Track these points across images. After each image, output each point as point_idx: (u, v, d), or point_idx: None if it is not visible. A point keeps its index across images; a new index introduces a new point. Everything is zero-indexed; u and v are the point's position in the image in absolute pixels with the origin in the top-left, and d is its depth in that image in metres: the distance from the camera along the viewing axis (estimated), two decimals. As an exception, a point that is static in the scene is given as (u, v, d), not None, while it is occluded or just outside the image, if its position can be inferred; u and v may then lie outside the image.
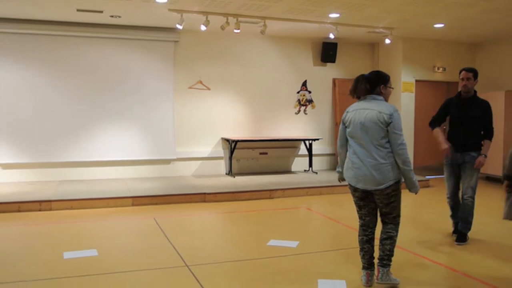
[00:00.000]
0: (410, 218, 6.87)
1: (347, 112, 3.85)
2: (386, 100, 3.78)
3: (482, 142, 5.11)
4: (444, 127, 5.72)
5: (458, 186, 5.32)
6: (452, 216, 5.45)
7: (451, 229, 5.48)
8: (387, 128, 3.59)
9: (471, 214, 5.11)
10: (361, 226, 3.90)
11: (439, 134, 5.26)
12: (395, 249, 3.81)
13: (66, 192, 7.46)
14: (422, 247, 4.98)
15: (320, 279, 3.99)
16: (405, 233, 5.74)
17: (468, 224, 5.14)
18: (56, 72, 8.60)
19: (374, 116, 3.62)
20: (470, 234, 5.22)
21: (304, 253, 4.80)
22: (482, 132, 5.11)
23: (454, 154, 5.15)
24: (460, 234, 5.14)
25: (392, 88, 3.87)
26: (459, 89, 5.17)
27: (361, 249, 3.87)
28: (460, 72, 5.12)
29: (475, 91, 5.16)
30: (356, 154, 3.71)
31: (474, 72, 5.07)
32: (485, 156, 5.08)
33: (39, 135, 8.52)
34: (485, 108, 5.09)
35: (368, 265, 3.84)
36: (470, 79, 5.04)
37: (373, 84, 3.75)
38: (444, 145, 5.10)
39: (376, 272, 3.79)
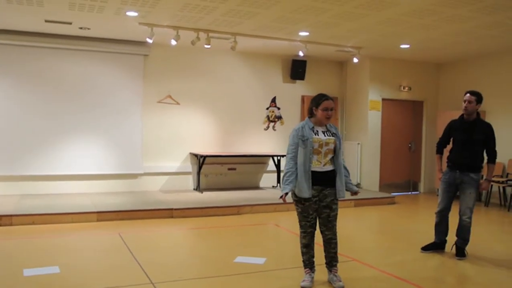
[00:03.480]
0: (377, 233, 6.95)
1: None
2: (319, 122, 4.31)
3: (484, 165, 5.22)
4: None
5: (450, 205, 5.36)
6: (435, 233, 5.49)
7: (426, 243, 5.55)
8: None
9: (468, 233, 5.25)
10: None
11: (437, 161, 5.53)
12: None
13: (28, 206, 7.25)
14: (389, 264, 5.02)
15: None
16: (373, 249, 5.81)
17: (466, 241, 5.27)
18: (22, 82, 8.41)
19: None
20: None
21: (271, 270, 4.78)
22: (484, 154, 5.22)
23: (453, 173, 5.25)
24: (459, 249, 5.27)
25: (323, 110, 4.20)
26: (462, 112, 5.25)
27: None
28: (465, 94, 5.20)
29: (478, 114, 5.22)
30: None
31: (477, 96, 5.14)
32: (489, 181, 5.27)
33: (1, 147, 8.28)
34: (488, 132, 5.18)
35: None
36: (472, 102, 5.12)
37: (310, 106, 4.37)
38: (439, 174, 5.44)
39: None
